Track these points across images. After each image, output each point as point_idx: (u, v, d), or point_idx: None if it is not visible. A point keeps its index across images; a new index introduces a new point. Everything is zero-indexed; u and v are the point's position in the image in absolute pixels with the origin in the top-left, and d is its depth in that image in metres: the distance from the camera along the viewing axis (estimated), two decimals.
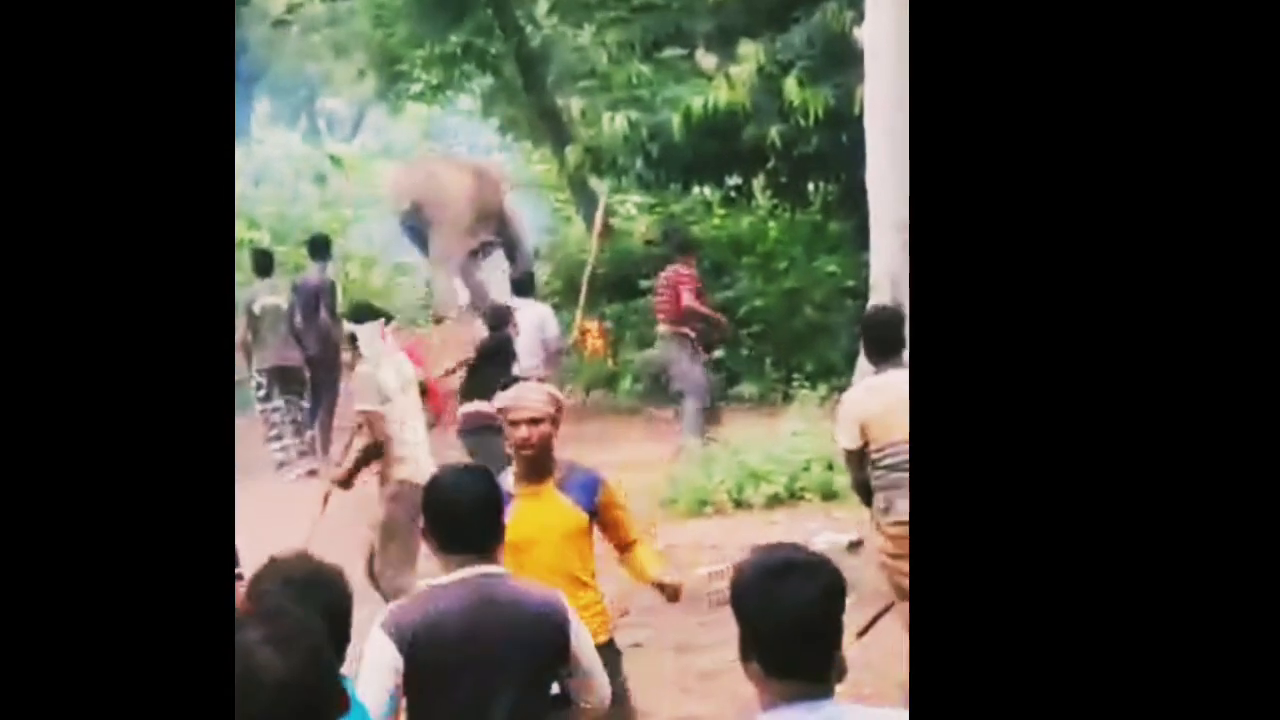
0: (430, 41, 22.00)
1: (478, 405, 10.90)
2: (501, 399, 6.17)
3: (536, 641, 4.66)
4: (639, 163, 17.35)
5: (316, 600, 3.78)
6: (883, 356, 7.53)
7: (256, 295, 15.05)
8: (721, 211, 19.80)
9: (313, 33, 34.35)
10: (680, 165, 17.65)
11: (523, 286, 14.61)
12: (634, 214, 22.26)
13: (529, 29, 22.01)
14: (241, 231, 21.96)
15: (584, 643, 4.82)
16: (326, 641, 3.20)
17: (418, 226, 20.66)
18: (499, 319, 12.34)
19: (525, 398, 6.10)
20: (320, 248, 15.90)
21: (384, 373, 9.31)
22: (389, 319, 10.02)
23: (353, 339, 9.53)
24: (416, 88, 25.30)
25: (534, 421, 5.97)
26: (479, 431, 10.95)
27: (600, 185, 20.23)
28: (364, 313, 9.85)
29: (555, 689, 4.88)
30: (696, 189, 19.77)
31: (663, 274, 14.34)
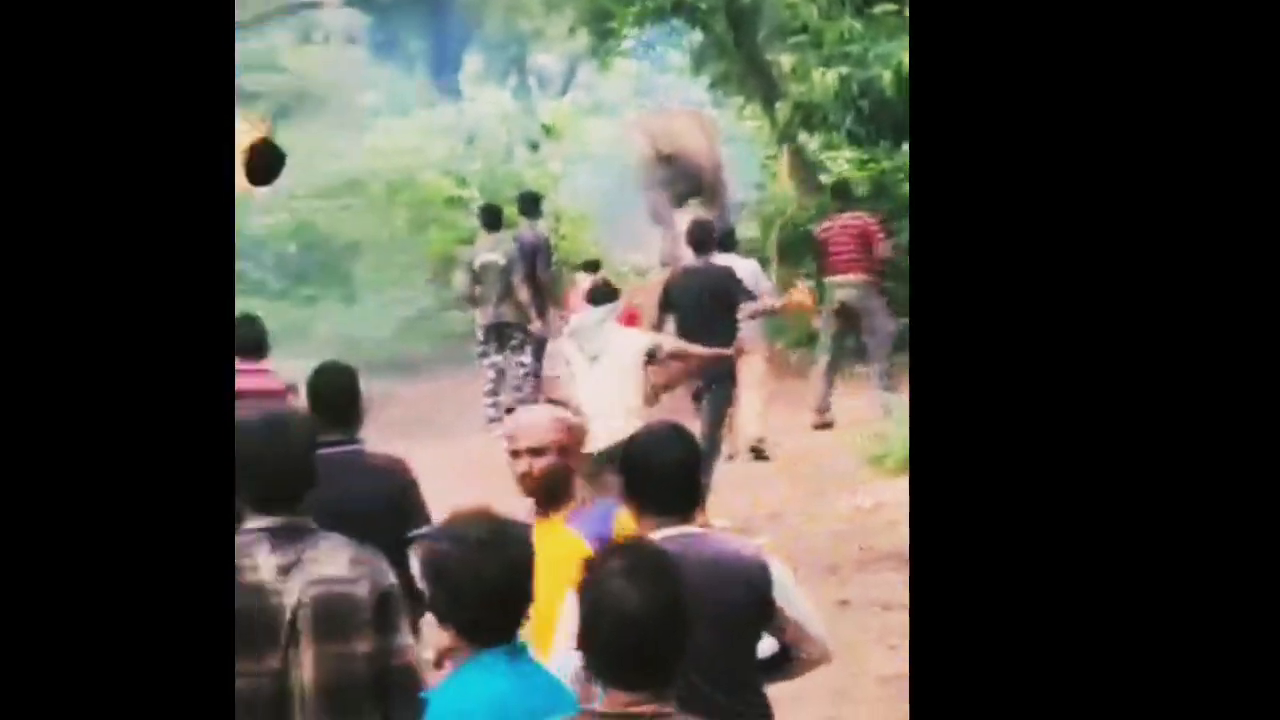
0: None
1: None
2: (505, 425, 5.54)
3: (737, 598, 4.58)
4: (850, 119, 17.14)
5: (498, 557, 3.75)
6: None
7: (478, 252, 15.25)
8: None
9: None
10: (891, 122, 17.37)
11: (726, 242, 14.15)
12: (845, 170, 22.03)
13: None
14: (450, 189, 22.12)
15: (790, 594, 4.73)
16: (678, 575, 3.33)
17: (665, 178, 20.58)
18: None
19: (527, 424, 5.32)
20: (531, 204, 16.01)
21: (566, 343, 9.53)
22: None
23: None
24: (627, 44, 25.26)
25: (536, 452, 5.17)
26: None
27: (810, 141, 20.03)
28: (601, 296, 9.79)
29: (771, 648, 4.81)
30: (907, 145, 19.46)
31: (838, 223, 14.41)
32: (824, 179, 20.81)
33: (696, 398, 11.27)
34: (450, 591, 3.73)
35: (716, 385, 11.10)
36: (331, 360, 6.39)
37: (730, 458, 12.74)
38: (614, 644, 3.26)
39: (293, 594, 4.35)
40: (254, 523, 4.38)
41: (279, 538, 4.38)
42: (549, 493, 5.20)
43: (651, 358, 9.54)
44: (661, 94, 31.91)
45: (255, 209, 22.07)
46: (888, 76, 15.92)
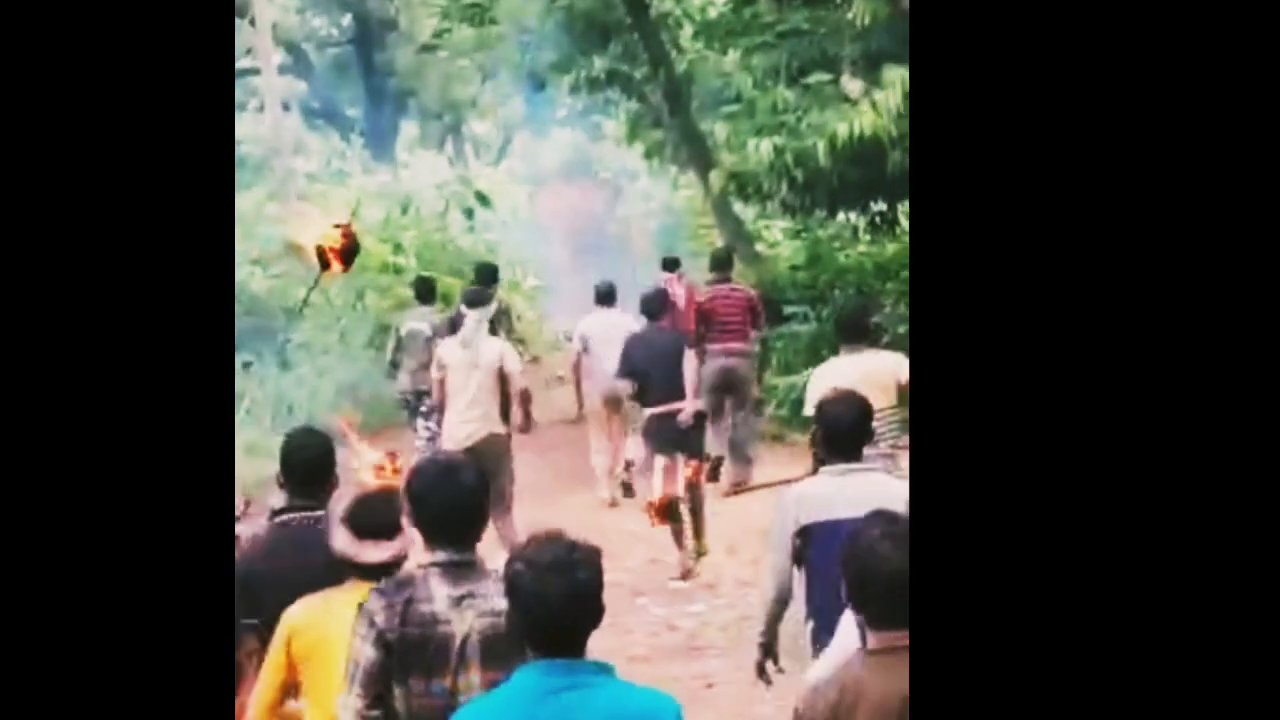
0: (576, 67, 22.08)
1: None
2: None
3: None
4: (784, 188, 17.29)
5: (565, 579, 4.05)
6: (847, 341, 9.69)
7: (406, 320, 15.43)
8: (867, 238, 19.67)
9: (460, 57, 34.72)
10: (825, 191, 17.56)
11: (606, 297, 15.12)
12: (779, 240, 22.19)
13: (674, 54, 22.01)
14: (387, 256, 22.18)
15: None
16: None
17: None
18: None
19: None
20: (487, 274, 16.13)
21: (446, 347, 11.24)
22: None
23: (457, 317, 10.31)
24: (562, 113, 25.42)
25: None
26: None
27: (745, 211, 20.18)
28: (476, 298, 11.89)
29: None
30: (842, 215, 19.66)
31: (721, 293, 14.98)
32: (759, 248, 20.97)
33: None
34: (521, 609, 4.06)
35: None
36: (305, 427, 6.46)
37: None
38: (885, 597, 4.07)
39: (463, 624, 4.75)
40: (428, 558, 4.83)
41: (451, 572, 4.79)
42: None
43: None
44: (596, 163, 32.13)
45: None
46: (821, 146, 16.06)
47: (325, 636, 5.13)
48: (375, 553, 5.30)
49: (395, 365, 15.43)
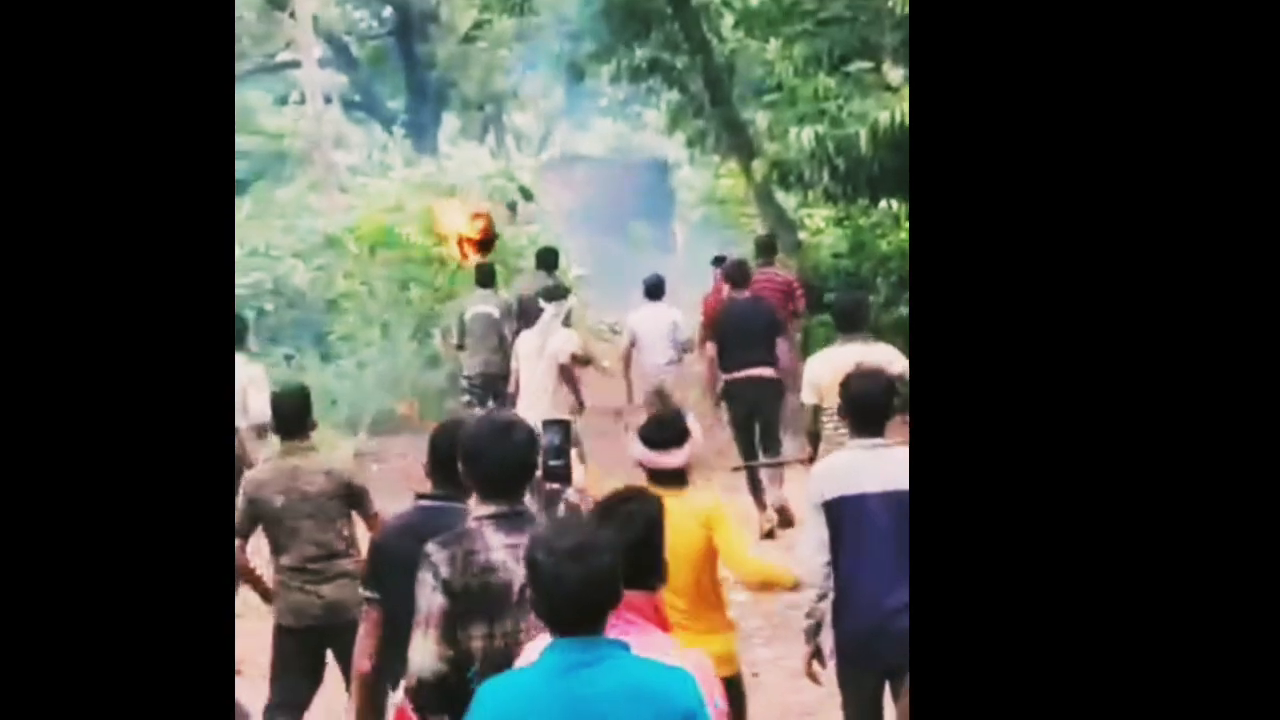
0: (617, 57, 22.06)
1: None
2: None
3: None
4: (826, 176, 17.25)
5: (580, 566, 4.20)
6: (845, 331, 9.99)
7: (470, 305, 15.59)
8: (909, 225, 19.61)
9: (500, 48, 34.73)
10: (867, 179, 17.50)
11: (654, 291, 15.32)
12: (821, 227, 22.13)
13: (715, 43, 21.96)
14: (430, 247, 22.17)
15: None
16: None
17: None
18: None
19: None
20: (547, 259, 16.21)
21: (523, 339, 11.57)
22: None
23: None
24: (603, 103, 25.40)
25: None
26: None
27: (787, 199, 20.14)
28: (554, 293, 12.61)
29: None
30: (884, 202, 19.59)
31: (764, 277, 14.91)
32: (801, 236, 20.93)
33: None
34: (541, 592, 4.20)
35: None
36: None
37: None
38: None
39: (519, 572, 4.88)
40: (481, 510, 5.18)
41: (504, 524, 5.15)
42: None
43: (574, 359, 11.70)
44: (637, 152, 32.12)
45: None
46: (863, 134, 16.01)
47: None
48: (666, 460, 6.27)
49: (462, 349, 15.52)
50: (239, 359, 11.57)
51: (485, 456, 5.21)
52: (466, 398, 15.38)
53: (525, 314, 15.02)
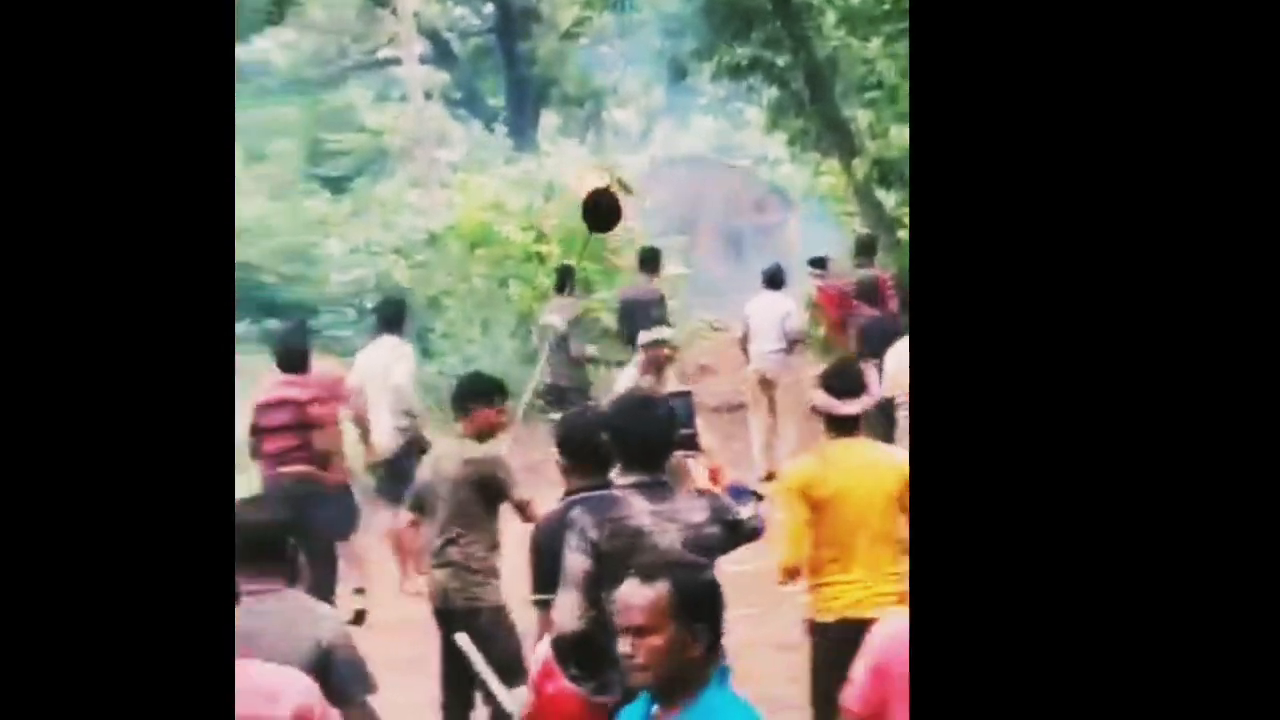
0: (717, 54, 21.99)
1: None
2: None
3: None
4: None
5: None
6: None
7: (546, 312, 15.65)
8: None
9: (601, 45, 34.78)
10: None
11: (773, 280, 15.72)
12: None
13: (816, 41, 21.83)
14: (530, 244, 22.23)
15: None
16: None
17: None
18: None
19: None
20: (649, 260, 16.18)
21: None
22: None
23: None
24: (703, 100, 25.35)
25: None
26: None
27: (886, 198, 20.02)
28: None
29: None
30: None
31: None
32: (900, 235, 20.81)
33: None
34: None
35: None
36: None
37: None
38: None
39: (665, 536, 5.43)
40: (626, 480, 5.58)
41: (648, 491, 5.53)
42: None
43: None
44: (738, 150, 32.07)
45: (335, 266, 22.25)
46: None
47: (833, 482, 6.30)
48: (846, 407, 6.57)
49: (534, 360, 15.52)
50: (391, 339, 11.82)
51: (629, 430, 5.61)
52: (540, 403, 15.32)
53: (627, 317, 15.03)
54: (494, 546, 7.84)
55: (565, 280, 15.83)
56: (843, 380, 6.66)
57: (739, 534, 5.82)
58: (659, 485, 5.58)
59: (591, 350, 15.32)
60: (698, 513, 5.60)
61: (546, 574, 5.78)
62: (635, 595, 4.11)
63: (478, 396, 8.15)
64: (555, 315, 15.48)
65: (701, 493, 5.85)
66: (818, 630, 6.65)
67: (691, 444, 6.43)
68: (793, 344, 15.42)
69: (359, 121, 29.56)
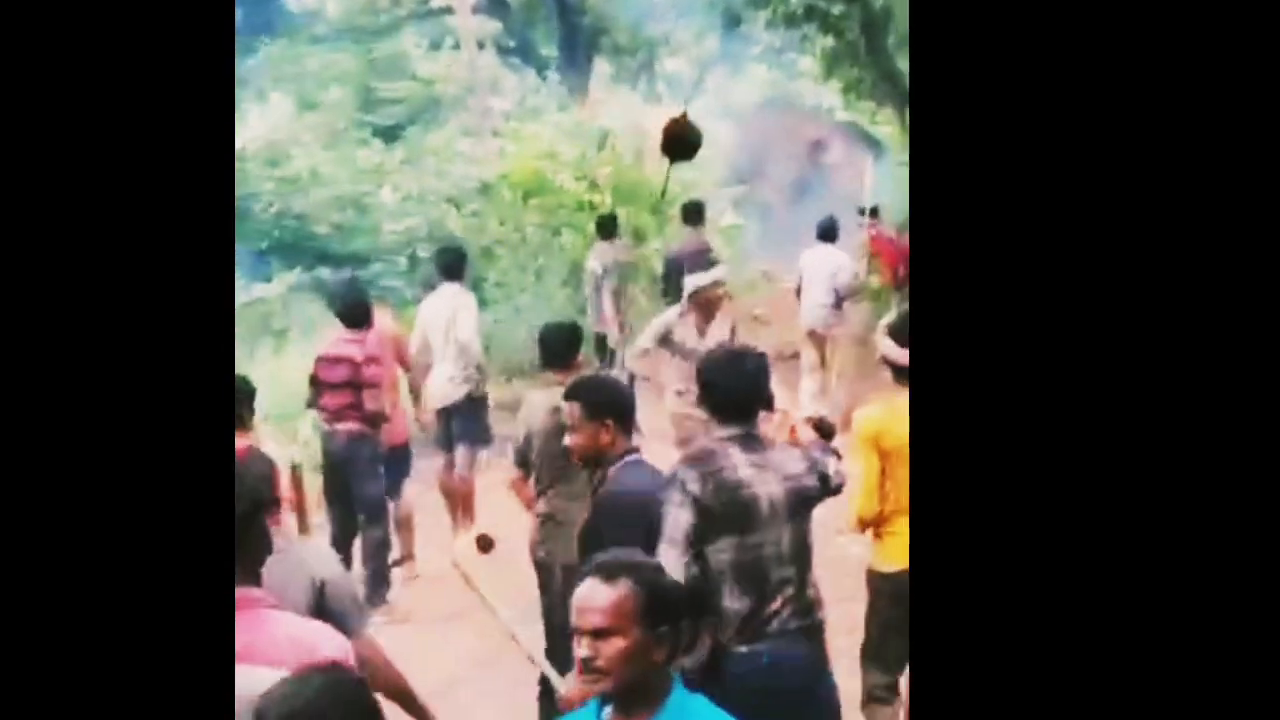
0: (772, 3, 21.86)
1: None
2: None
3: None
4: None
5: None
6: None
7: (589, 259, 15.92)
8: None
9: None
10: None
11: (827, 233, 15.63)
12: None
13: None
14: (582, 194, 22.18)
15: None
16: None
17: None
18: None
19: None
20: (693, 213, 16.11)
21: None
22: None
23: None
24: (757, 50, 25.21)
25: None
26: None
27: None
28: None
29: None
30: None
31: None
32: None
33: None
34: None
35: None
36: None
37: None
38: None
39: (765, 487, 5.56)
40: (721, 433, 5.65)
41: (744, 444, 5.62)
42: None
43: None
44: (792, 99, 31.89)
45: (387, 215, 22.24)
46: None
47: (903, 428, 6.11)
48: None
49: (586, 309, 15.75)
50: (452, 287, 11.87)
51: (721, 382, 5.68)
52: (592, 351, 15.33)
53: (674, 273, 14.99)
54: (581, 498, 7.82)
55: (609, 228, 15.90)
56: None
57: (826, 490, 5.87)
58: (752, 438, 5.65)
59: (633, 292, 15.15)
60: (795, 463, 5.69)
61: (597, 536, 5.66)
62: (597, 595, 3.82)
63: (571, 345, 8.34)
64: (596, 260, 15.54)
65: (794, 444, 5.91)
66: (879, 580, 6.66)
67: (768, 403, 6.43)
68: (842, 300, 15.33)
69: (411, 70, 29.47)
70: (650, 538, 5.42)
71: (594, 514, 5.98)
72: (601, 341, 15.11)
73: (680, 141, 10.23)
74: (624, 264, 15.97)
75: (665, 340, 10.64)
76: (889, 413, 6.53)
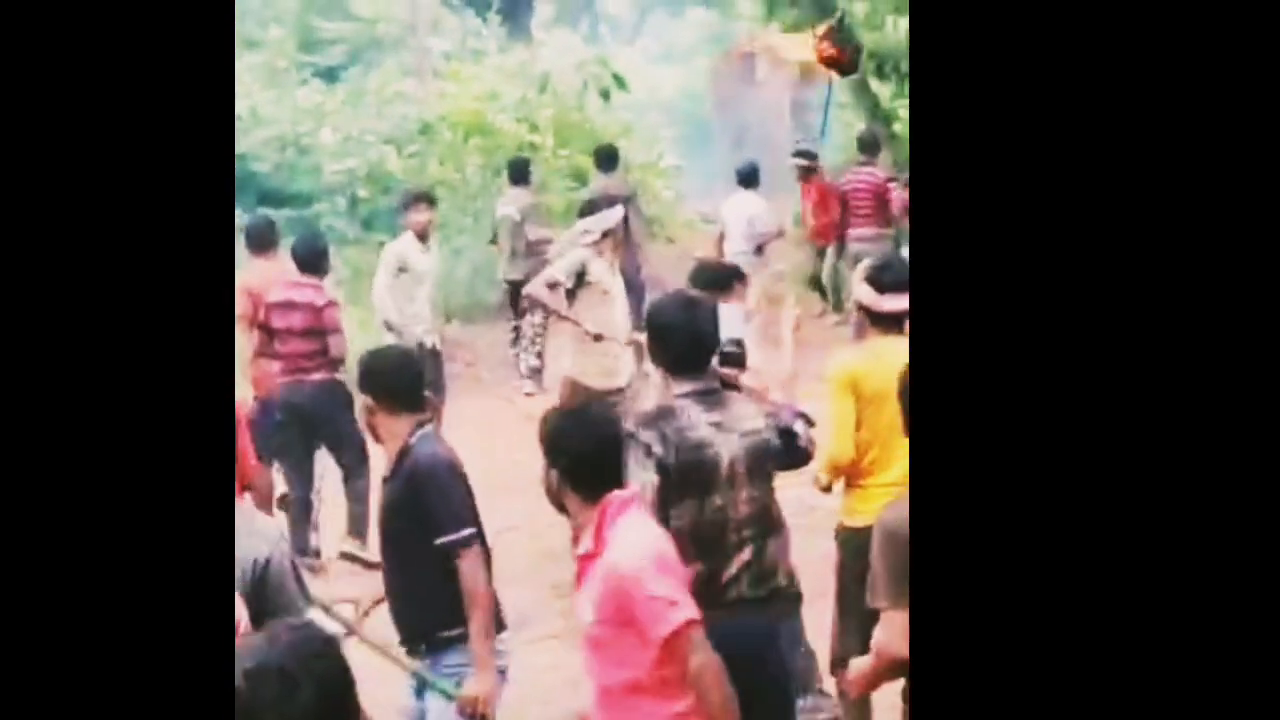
0: None
1: None
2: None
3: None
4: None
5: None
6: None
7: (501, 205, 15.60)
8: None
9: None
10: None
11: (748, 179, 15.79)
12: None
13: None
14: (523, 135, 22.15)
15: None
16: None
17: None
18: None
19: None
20: (606, 159, 16.01)
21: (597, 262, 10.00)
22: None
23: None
24: None
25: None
26: None
27: (882, 89, 19.92)
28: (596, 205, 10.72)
29: None
30: None
31: (858, 177, 16.21)
32: (896, 128, 20.73)
33: None
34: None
35: None
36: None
37: None
38: None
39: (728, 446, 5.35)
40: (678, 388, 5.45)
41: (702, 400, 5.40)
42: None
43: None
44: (732, 41, 31.78)
45: (328, 155, 22.16)
46: None
47: (879, 375, 5.80)
48: (890, 303, 6.21)
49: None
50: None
51: (673, 334, 5.47)
52: (502, 302, 15.07)
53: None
54: None
55: (520, 172, 15.73)
56: (889, 273, 6.33)
57: (793, 454, 5.73)
58: (711, 393, 5.45)
59: (546, 234, 14.55)
60: (753, 419, 5.48)
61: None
62: None
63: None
64: (510, 206, 15.35)
65: (753, 398, 5.78)
66: (848, 535, 6.37)
67: (738, 360, 6.37)
68: (759, 247, 15.35)
69: (352, 10, 29.24)
70: (433, 517, 5.39)
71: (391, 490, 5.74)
72: (515, 291, 14.70)
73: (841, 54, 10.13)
74: (539, 209, 15.72)
75: (579, 277, 9.95)
76: (869, 356, 6.34)
